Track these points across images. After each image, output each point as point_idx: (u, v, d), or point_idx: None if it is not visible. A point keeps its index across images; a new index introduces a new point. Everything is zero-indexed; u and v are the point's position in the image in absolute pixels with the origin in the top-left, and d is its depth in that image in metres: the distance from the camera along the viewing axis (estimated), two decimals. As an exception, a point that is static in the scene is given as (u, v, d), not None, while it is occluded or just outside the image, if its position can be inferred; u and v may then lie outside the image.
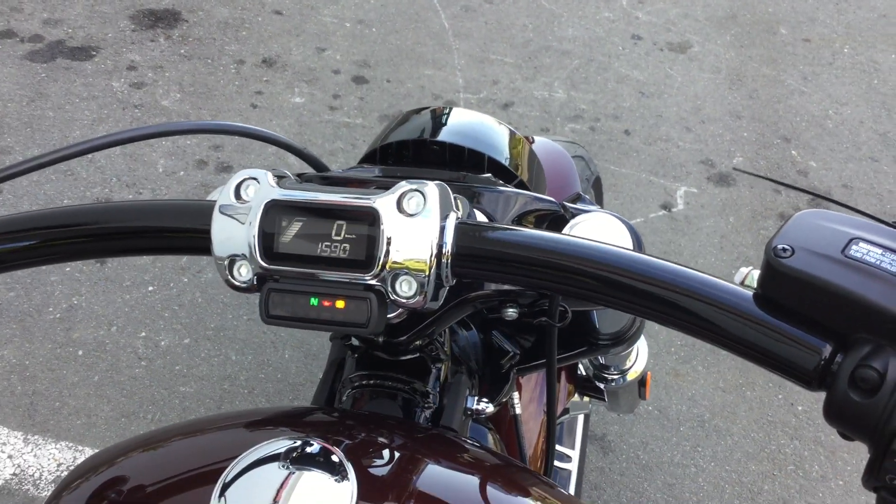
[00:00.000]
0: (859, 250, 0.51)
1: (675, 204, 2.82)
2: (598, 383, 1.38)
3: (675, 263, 0.57)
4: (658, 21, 3.70)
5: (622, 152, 3.01)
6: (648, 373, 1.42)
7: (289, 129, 2.93)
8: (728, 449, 2.15)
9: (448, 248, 0.60)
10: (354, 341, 0.84)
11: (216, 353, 2.25)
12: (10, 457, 1.98)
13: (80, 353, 2.22)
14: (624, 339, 0.97)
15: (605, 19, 3.68)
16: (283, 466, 0.58)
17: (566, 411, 1.52)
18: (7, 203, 2.54)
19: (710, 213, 2.80)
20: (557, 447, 1.75)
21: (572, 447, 1.86)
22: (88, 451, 2.01)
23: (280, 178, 0.64)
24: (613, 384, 1.37)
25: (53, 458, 1.99)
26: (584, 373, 1.41)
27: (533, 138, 1.36)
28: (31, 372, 2.16)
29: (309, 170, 0.90)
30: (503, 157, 0.95)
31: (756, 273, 0.58)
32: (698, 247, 2.68)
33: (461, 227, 0.61)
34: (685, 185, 2.90)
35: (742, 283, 0.58)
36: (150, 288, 2.39)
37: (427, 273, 0.60)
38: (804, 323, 0.52)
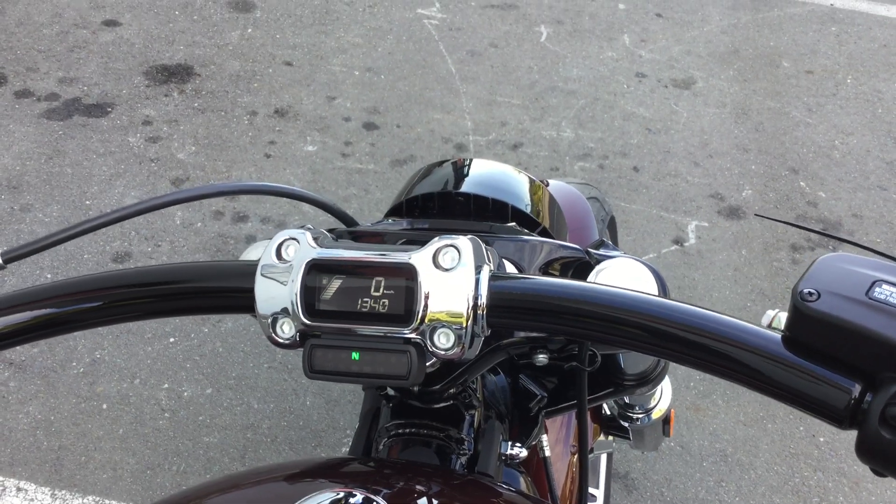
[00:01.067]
0: (882, 292, 0.53)
1: (687, 238, 2.84)
2: (623, 422, 1.39)
3: (703, 308, 0.59)
4: (661, 58, 3.75)
5: (632, 189, 3.04)
6: (672, 410, 1.43)
7: (302, 178, 2.98)
8: (752, 483, 2.15)
9: (483, 300, 0.62)
10: (389, 391, 0.86)
11: (238, 402, 2.27)
12: (37, 513, 2.00)
13: (105, 406, 2.24)
14: (649, 380, 0.98)
15: (608, 59, 3.74)
16: None
17: (591, 451, 1.53)
18: (28, 259, 2.57)
19: (723, 247, 2.82)
20: (582, 487, 1.75)
21: (597, 486, 1.86)
22: (115, 505, 2.02)
23: (316, 238, 0.66)
24: (638, 423, 1.38)
25: (80, 513, 2.00)
26: (608, 412, 1.42)
27: (548, 182, 1.39)
28: (57, 427, 2.18)
29: (338, 224, 0.93)
30: (525, 205, 0.97)
31: (783, 315, 0.60)
32: (712, 281, 2.69)
33: (495, 280, 0.63)
34: (696, 220, 2.92)
35: (769, 326, 0.60)
36: (172, 339, 2.41)
37: (464, 325, 0.62)
38: (832, 364, 0.54)
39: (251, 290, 0.65)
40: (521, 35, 3.85)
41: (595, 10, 4.05)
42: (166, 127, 3.18)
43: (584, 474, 1.00)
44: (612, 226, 1.64)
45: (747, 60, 3.78)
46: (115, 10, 3.77)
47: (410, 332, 0.62)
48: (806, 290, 0.55)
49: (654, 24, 3.99)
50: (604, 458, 1.88)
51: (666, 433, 1.47)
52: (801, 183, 3.11)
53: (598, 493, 1.84)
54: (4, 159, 2.97)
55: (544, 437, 1.03)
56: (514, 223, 0.93)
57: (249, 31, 3.74)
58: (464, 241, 0.63)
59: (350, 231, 0.86)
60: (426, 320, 0.62)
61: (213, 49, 3.60)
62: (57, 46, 3.54)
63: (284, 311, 0.64)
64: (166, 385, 2.30)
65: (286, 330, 0.65)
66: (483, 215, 0.96)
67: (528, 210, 0.97)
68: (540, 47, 3.79)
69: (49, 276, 2.54)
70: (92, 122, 3.17)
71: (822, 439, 2.25)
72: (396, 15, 3.92)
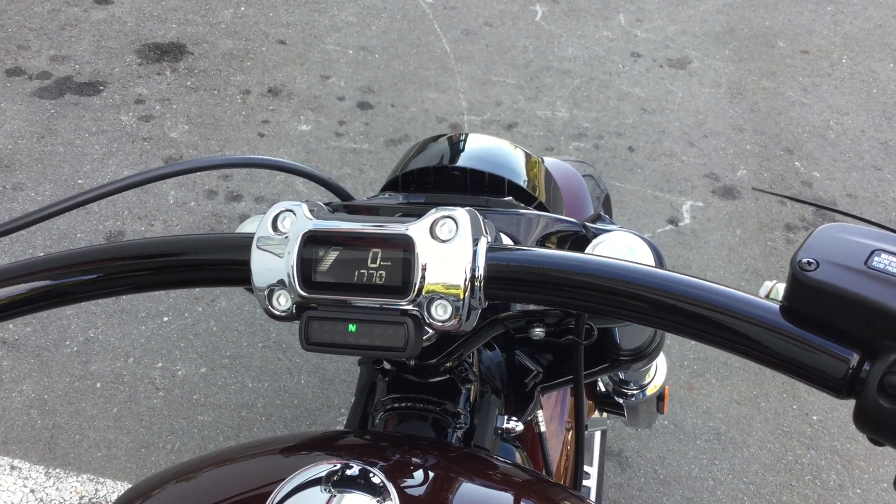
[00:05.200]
0: (881, 261, 0.53)
1: (682, 218, 2.84)
2: (617, 399, 1.40)
3: (701, 279, 0.59)
4: (657, 38, 3.74)
5: (627, 169, 3.03)
6: (667, 387, 1.44)
7: (296, 157, 2.96)
8: (745, 461, 2.16)
9: (480, 271, 0.62)
10: (385, 365, 0.86)
11: (233, 381, 2.27)
12: (32, 491, 2.00)
13: (99, 385, 2.23)
14: (645, 355, 0.99)
15: (604, 38, 3.72)
16: (326, 490, 0.59)
17: (586, 428, 1.54)
18: (21, 238, 2.56)
19: (717, 227, 2.82)
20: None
21: (590, 463, 1.86)
22: (110, 483, 2.02)
23: (312, 210, 0.66)
24: (633, 399, 1.38)
25: (75, 491, 2.00)
26: (603, 389, 1.42)
27: (543, 159, 1.38)
28: (51, 406, 2.18)
29: (333, 198, 0.92)
30: (522, 179, 0.97)
31: (780, 286, 0.60)
32: (706, 260, 2.69)
33: (492, 251, 0.63)
34: (691, 200, 2.92)
35: (767, 297, 0.60)
36: (166, 318, 2.41)
37: (462, 297, 0.61)
38: (831, 333, 0.54)
39: (247, 263, 0.65)
40: (516, 14, 3.83)
41: (590, -11, 4.03)
42: (159, 105, 3.16)
43: (580, 447, 1.00)
44: (606, 204, 1.63)
45: (742, 40, 3.77)
46: (106, -13, 3.74)
47: (407, 304, 0.62)
48: (805, 260, 0.55)
49: (649, 2, 3.98)
50: (598, 435, 1.89)
51: (660, 410, 1.48)
52: (796, 163, 3.11)
53: (591, 470, 1.84)
54: (-4, 138, 2.95)
55: (539, 413, 1.03)
56: (510, 197, 0.93)
57: (242, 9, 3.72)
58: (461, 213, 0.63)
59: (346, 205, 0.86)
60: (423, 292, 0.62)
61: (205, 27, 3.58)
62: (48, 24, 3.51)
63: (281, 283, 0.64)
64: (160, 364, 2.30)
65: (282, 302, 0.65)
66: (479, 189, 0.95)
67: (525, 185, 0.96)
68: (535, 26, 3.77)
69: (42, 254, 2.53)
70: (84, 101, 3.15)
71: (815, 417, 2.26)
72: (390, -7, 3.90)
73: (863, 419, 0.52)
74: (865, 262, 0.54)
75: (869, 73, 3.62)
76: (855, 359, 0.52)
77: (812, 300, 0.54)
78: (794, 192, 2.98)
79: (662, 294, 0.59)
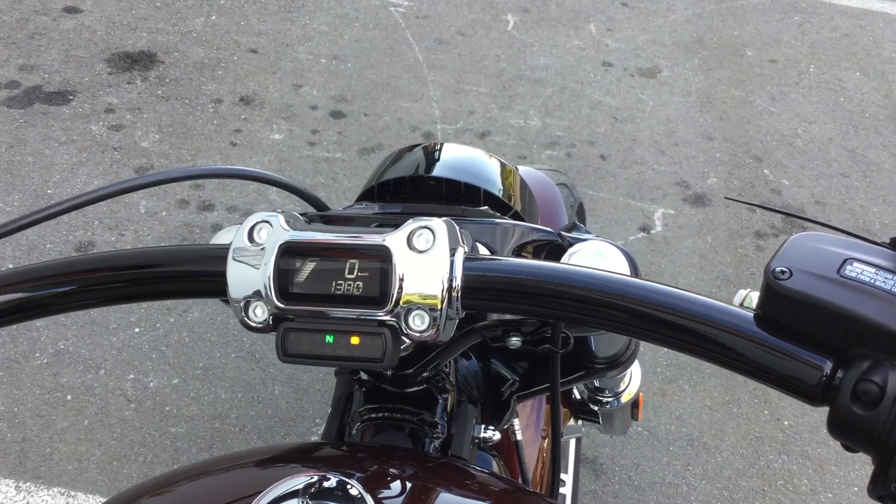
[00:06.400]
0: (854, 270, 0.54)
1: (654, 226, 2.87)
2: (593, 406, 1.40)
3: (676, 287, 0.60)
4: (627, 48, 3.77)
5: (599, 177, 3.06)
6: (641, 394, 1.45)
7: (269, 166, 2.95)
8: (718, 466, 2.17)
9: (458, 282, 0.62)
10: (362, 375, 0.86)
11: (205, 392, 2.25)
12: (1, 506, 1.97)
13: (69, 397, 2.21)
14: (620, 363, 0.99)
15: (575, 47, 3.75)
16: (303, 502, 0.59)
17: (561, 435, 1.54)
18: (-11, 250, 2.53)
19: (688, 234, 2.84)
20: (552, 472, 1.76)
21: (566, 471, 1.87)
22: (81, 497, 2.00)
23: (289, 220, 0.66)
24: (608, 407, 1.39)
25: (46, 505, 1.98)
26: (578, 396, 1.43)
27: (517, 168, 1.39)
28: (21, 419, 2.15)
29: (309, 209, 0.92)
30: (497, 189, 0.97)
31: (754, 295, 0.61)
32: (678, 267, 2.72)
33: (469, 261, 0.63)
34: (662, 207, 2.95)
35: (741, 305, 0.61)
36: (137, 329, 2.38)
37: (439, 307, 0.61)
38: (804, 341, 0.54)
39: (223, 274, 0.65)
40: (488, 23, 3.85)
41: (561, -2, 4.06)
42: (129, 115, 3.13)
43: (556, 455, 1.00)
44: (580, 212, 1.64)
45: (711, 49, 3.81)
46: (75, -4, 3.71)
47: (385, 315, 0.62)
48: (778, 269, 0.56)
49: (619, 12, 4.01)
50: (573, 442, 1.89)
51: (634, 417, 1.48)
52: (765, 170, 3.15)
53: (567, 477, 1.85)
54: (-37, 148, 2.91)
55: (516, 422, 1.03)
56: (486, 207, 0.93)
57: (213, 17, 3.70)
58: (438, 223, 0.63)
59: (322, 215, 0.86)
60: (401, 302, 0.62)
61: (176, 36, 3.56)
62: (17, 34, 3.47)
63: (257, 295, 0.64)
64: (132, 375, 2.27)
65: (259, 314, 0.64)
66: (455, 199, 0.96)
67: (501, 194, 0.97)
68: (507, 36, 3.79)
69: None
70: (53, 110, 3.11)
71: (786, 423, 2.28)
72: (363, 2, 3.90)
73: (837, 426, 0.53)
74: (838, 271, 0.54)
75: (836, 81, 3.67)
76: (828, 366, 0.53)
77: (786, 309, 0.55)
78: (763, 199, 3.02)
79: (637, 303, 0.59)
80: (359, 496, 0.59)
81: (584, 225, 1.76)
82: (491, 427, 0.88)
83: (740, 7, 4.12)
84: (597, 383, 1.39)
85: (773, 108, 3.47)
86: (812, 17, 4.10)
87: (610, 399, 1.39)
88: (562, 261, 0.77)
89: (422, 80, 3.45)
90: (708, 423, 2.27)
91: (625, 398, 1.39)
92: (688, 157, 3.18)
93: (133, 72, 3.34)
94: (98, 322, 2.39)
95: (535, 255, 0.83)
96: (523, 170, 1.39)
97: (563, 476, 1.83)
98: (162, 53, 3.45)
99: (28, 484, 2.01)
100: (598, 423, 1.46)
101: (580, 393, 1.42)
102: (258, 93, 3.30)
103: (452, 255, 0.62)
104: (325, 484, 0.60)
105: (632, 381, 1.40)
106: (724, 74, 3.65)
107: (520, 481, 1.05)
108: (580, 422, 1.52)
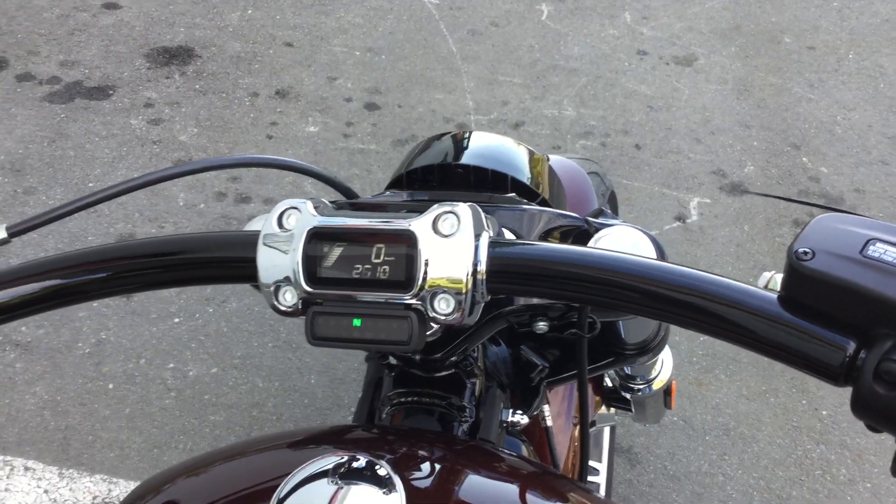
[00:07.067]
0: (877, 250, 0.54)
1: (690, 215, 2.85)
2: (624, 394, 1.40)
3: (700, 270, 0.60)
4: (663, 36, 3.74)
5: (634, 166, 3.04)
6: (674, 382, 1.44)
7: (304, 158, 2.98)
8: (755, 456, 2.16)
9: (483, 265, 0.63)
10: (391, 360, 0.87)
11: (243, 380, 2.28)
12: (45, 491, 2.02)
13: (111, 386, 2.25)
14: (650, 349, 0.99)
15: (609, 36, 3.73)
16: (333, 482, 0.59)
17: (593, 423, 1.54)
18: (32, 241, 2.59)
19: (725, 223, 2.82)
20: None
21: (600, 460, 1.87)
22: (122, 483, 2.04)
23: (317, 207, 0.67)
24: (640, 394, 1.39)
25: (88, 492, 2.02)
26: (610, 384, 1.43)
27: (548, 157, 1.39)
28: (64, 407, 2.20)
29: (339, 197, 0.93)
30: (525, 176, 0.98)
31: (778, 277, 0.61)
32: (714, 256, 2.70)
33: (494, 245, 0.64)
34: (698, 196, 2.92)
35: (766, 287, 0.61)
36: (176, 320, 2.42)
37: (464, 290, 0.62)
38: (827, 322, 0.54)
39: (254, 260, 0.66)
40: (521, 13, 3.84)
41: (596, -13, 4.04)
42: (168, 109, 3.18)
43: (585, 440, 1.01)
44: (612, 201, 1.64)
45: (749, 36, 3.77)
46: (114, -8, 3.77)
47: (411, 298, 0.63)
48: (801, 250, 0.56)
49: (655, 0, 3.98)
50: (607, 431, 1.89)
51: (667, 405, 1.48)
52: (804, 158, 3.11)
53: (601, 466, 1.85)
54: (7, 143, 2.97)
55: (546, 408, 1.03)
56: (513, 194, 0.94)
57: (249, 12, 3.74)
58: (463, 208, 0.64)
59: (350, 202, 0.87)
60: (426, 286, 0.62)
61: (213, 31, 3.60)
62: (58, 30, 3.53)
63: (286, 280, 0.65)
64: (172, 364, 2.31)
65: (288, 298, 0.65)
66: (483, 187, 0.96)
67: (528, 181, 0.97)
68: (541, 25, 3.77)
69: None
70: (94, 105, 3.17)
71: (824, 412, 2.26)
72: (397, -6, 3.91)
73: (860, 406, 0.53)
74: (861, 252, 0.54)
75: (876, 68, 3.61)
76: (851, 347, 0.53)
77: (809, 289, 0.55)
78: (802, 187, 2.98)
79: (660, 286, 0.60)
80: (387, 476, 0.60)
81: (618, 214, 1.76)
82: (519, 412, 0.89)
83: (778, -7, 4.07)
84: (628, 370, 1.39)
85: (812, 96, 3.42)
86: (851, 3, 4.03)
87: (642, 386, 1.39)
88: (588, 245, 0.77)
89: (455, 72, 3.45)
90: (744, 412, 2.26)
91: (656, 385, 1.39)
92: (724, 146, 3.15)
93: (171, 66, 3.39)
94: (138, 312, 2.43)
95: (562, 241, 0.83)
96: (554, 158, 1.39)
97: (597, 465, 1.83)
98: (199, 48, 3.50)
99: (71, 471, 2.06)
100: (631, 410, 1.46)
101: (612, 380, 1.42)
102: (293, 86, 3.33)
103: (477, 239, 0.63)
104: (355, 464, 0.61)
105: (663, 368, 1.40)
106: (761, 62, 3.61)
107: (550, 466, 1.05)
108: (612, 409, 1.52)
